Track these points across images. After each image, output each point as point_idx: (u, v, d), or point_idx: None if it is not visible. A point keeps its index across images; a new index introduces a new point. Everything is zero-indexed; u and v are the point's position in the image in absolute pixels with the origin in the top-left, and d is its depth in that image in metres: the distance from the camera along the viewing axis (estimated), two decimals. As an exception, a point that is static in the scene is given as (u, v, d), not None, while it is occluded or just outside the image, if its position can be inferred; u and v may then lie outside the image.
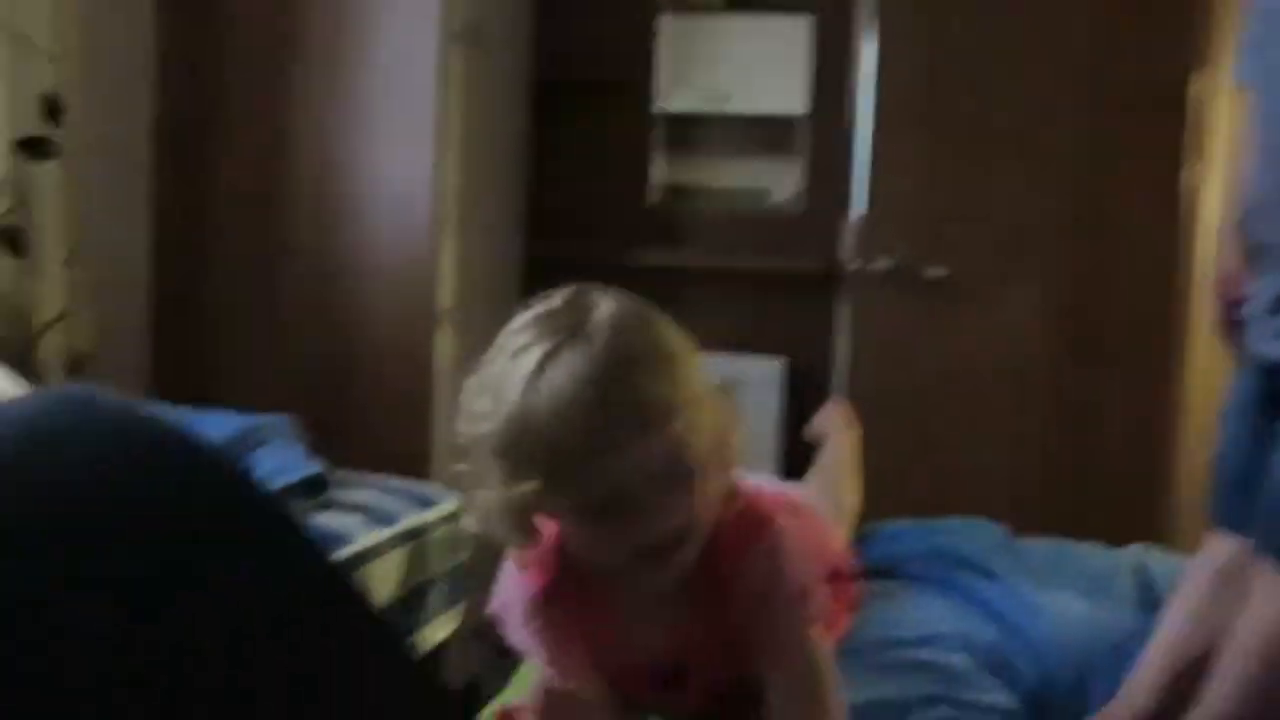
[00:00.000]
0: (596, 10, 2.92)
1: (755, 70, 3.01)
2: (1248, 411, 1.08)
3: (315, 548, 0.57)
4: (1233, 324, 1.11)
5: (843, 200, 2.62)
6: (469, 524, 0.84)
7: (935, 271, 2.44)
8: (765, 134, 3.05)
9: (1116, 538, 1.77)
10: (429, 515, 1.87)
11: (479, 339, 0.83)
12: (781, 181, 2.99)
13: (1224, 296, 1.13)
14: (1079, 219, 2.38)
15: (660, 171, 3.04)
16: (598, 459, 0.73)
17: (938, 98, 2.42)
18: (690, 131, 3.10)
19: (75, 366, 1.99)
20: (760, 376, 2.74)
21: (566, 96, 2.89)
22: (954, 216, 2.44)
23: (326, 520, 1.69)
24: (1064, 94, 2.36)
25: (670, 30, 2.99)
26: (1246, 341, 1.07)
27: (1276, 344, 1.00)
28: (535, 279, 2.47)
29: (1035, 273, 2.41)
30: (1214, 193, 2.23)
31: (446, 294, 2.35)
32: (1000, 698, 1.19)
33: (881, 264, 2.47)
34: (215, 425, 1.69)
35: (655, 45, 2.94)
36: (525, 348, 0.76)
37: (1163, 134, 2.29)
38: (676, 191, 3.07)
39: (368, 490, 1.89)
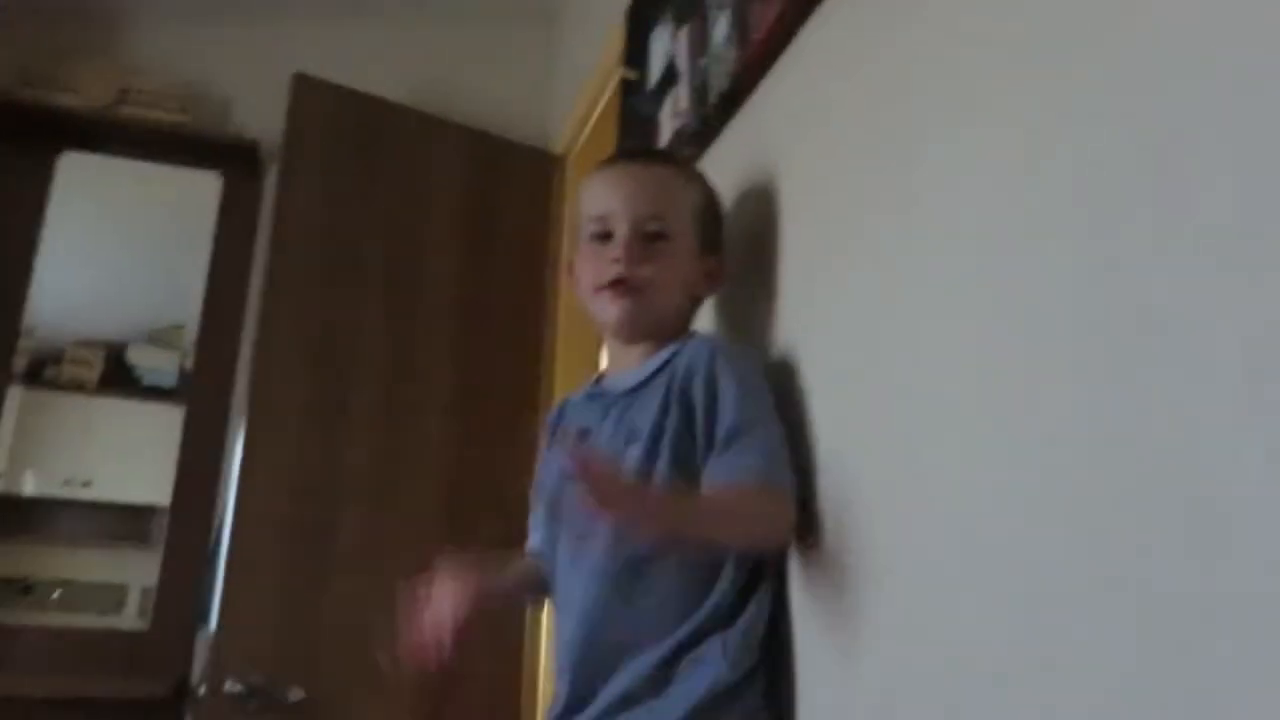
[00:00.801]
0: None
1: (122, 456, 2.90)
2: None
3: None
4: None
5: (197, 612, 2.40)
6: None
7: (293, 694, 2.26)
8: (125, 525, 2.83)
9: None
10: None
11: None
12: (140, 577, 2.74)
13: None
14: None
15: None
16: None
17: (297, 505, 2.36)
18: (35, 518, 2.78)
19: None
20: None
21: None
22: (311, 632, 2.32)
23: None
24: (425, 519, 2.41)
25: (23, 405, 2.74)
26: None
27: None
28: None
29: (393, 692, 2.34)
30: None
31: None
32: None
33: (235, 685, 2.25)
34: None
35: (-2, 420, 2.62)
36: None
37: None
38: (9, 585, 2.67)
39: None
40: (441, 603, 1.10)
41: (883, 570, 0.94)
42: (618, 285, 1.18)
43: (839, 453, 1.06)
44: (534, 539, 1.30)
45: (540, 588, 1.26)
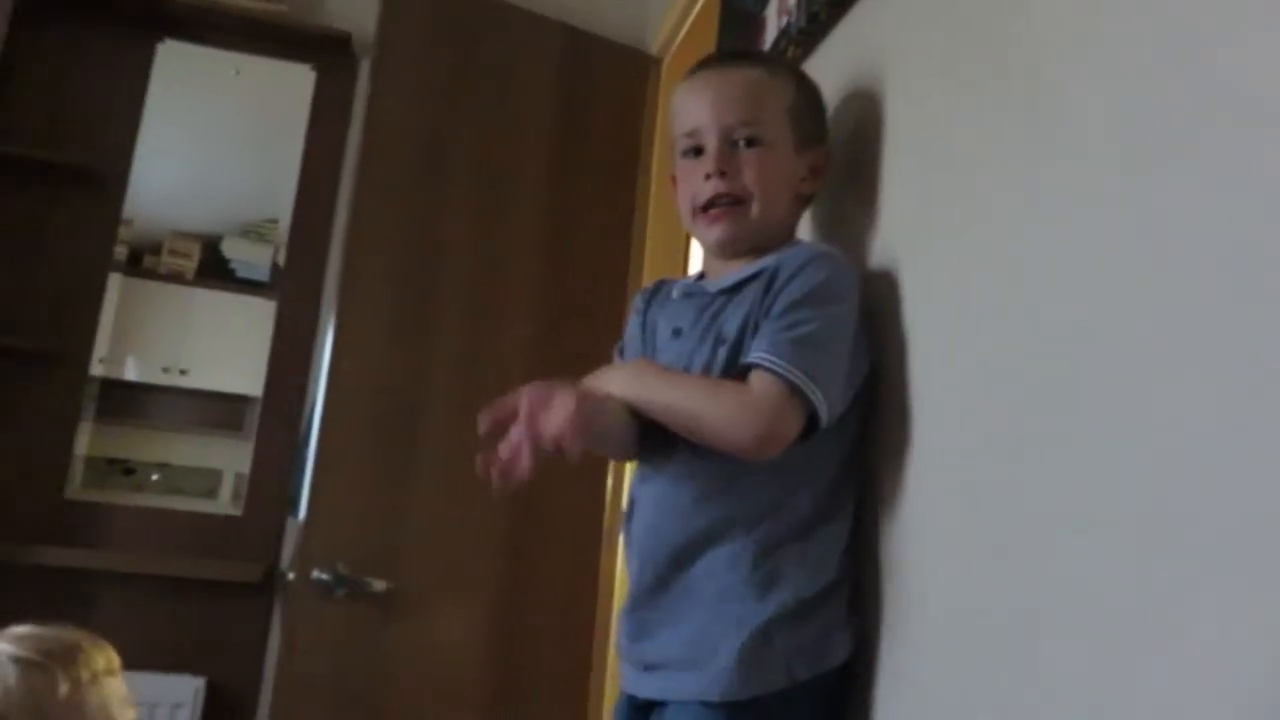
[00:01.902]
0: (26, 264, 2.60)
1: (217, 346, 2.99)
2: None
3: None
4: None
5: (288, 501, 2.48)
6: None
7: (378, 584, 2.33)
8: (220, 413, 2.92)
9: None
10: None
11: None
12: (234, 463, 2.83)
13: None
14: (512, 537, 2.43)
15: (94, 444, 2.73)
16: None
17: (384, 403, 2.40)
18: (136, 403, 2.89)
19: None
20: (176, 698, 2.42)
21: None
22: (395, 526, 2.38)
23: None
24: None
25: (123, 293, 2.83)
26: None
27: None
28: None
29: (473, 589, 2.40)
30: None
31: None
32: None
33: (322, 574, 2.32)
34: None
35: (99, 306, 2.70)
36: None
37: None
38: (112, 466, 2.79)
39: None
40: (536, 412, 1.01)
41: (982, 504, 0.90)
42: (716, 204, 1.15)
43: (938, 380, 1.01)
44: None
45: (632, 445, 1.20)
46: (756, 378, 1.01)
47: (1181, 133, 0.72)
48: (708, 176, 1.14)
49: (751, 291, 1.10)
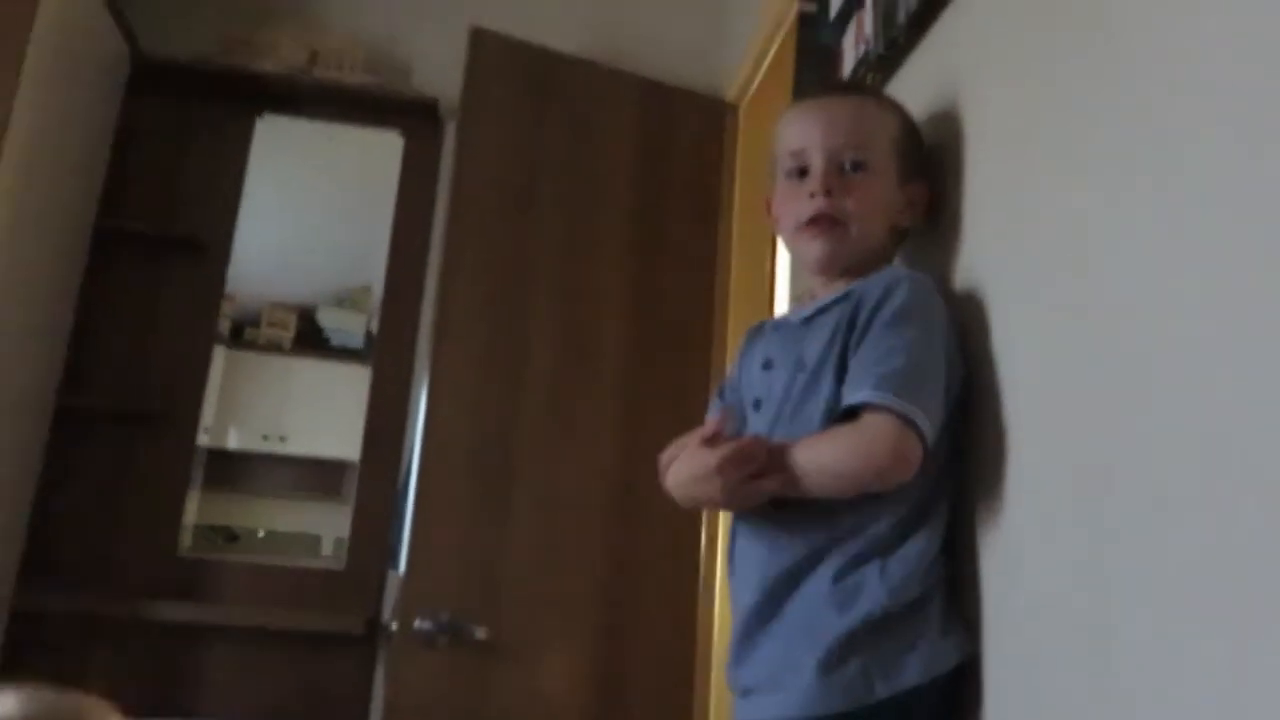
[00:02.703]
0: (138, 336, 2.72)
1: (314, 413, 3.07)
2: None
3: None
4: None
5: (388, 556, 2.52)
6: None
7: (479, 632, 2.34)
8: (318, 478, 2.99)
9: None
10: None
11: None
12: (332, 527, 2.89)
13: None
14: (611, 584, 2.42)
15: (200, 511, 2.82)
16: None
17: (479, 451, 2.44)
18: (238, 471, 2.98)
19: None
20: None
21: (86, 423, 2.61)
22: (494, 574, 2.40)
23: None
24: (602, 455, 2.46)
25: (226, 365, 2.94)
26: None
27: None
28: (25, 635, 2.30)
29: (572, 636, 2.40)
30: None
31: None
32: None
33: (424, 623, 2.35)
34: None
35: (204, 377, 2.81)
36: None
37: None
38: (215, 533, 2.87)
39: None
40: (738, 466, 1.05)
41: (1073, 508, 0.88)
42: (818, 221, 1.16)
43: (1033, 398, 1.00)
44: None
45: None
46: (871, 418, 1.01)
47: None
48: (812, 195, 1.16)
49: (833, 316, 1.11)
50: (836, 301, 1.13)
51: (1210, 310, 0.75)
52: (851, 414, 1.03)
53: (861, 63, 1.50)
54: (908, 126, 1.25)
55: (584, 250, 2.45)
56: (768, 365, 1.18)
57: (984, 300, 1.12)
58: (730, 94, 2.59)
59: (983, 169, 1.18)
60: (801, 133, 1.20)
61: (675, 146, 2.57)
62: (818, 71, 1.73)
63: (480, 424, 2.34)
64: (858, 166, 1.17)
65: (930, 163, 1.26)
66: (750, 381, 1.21)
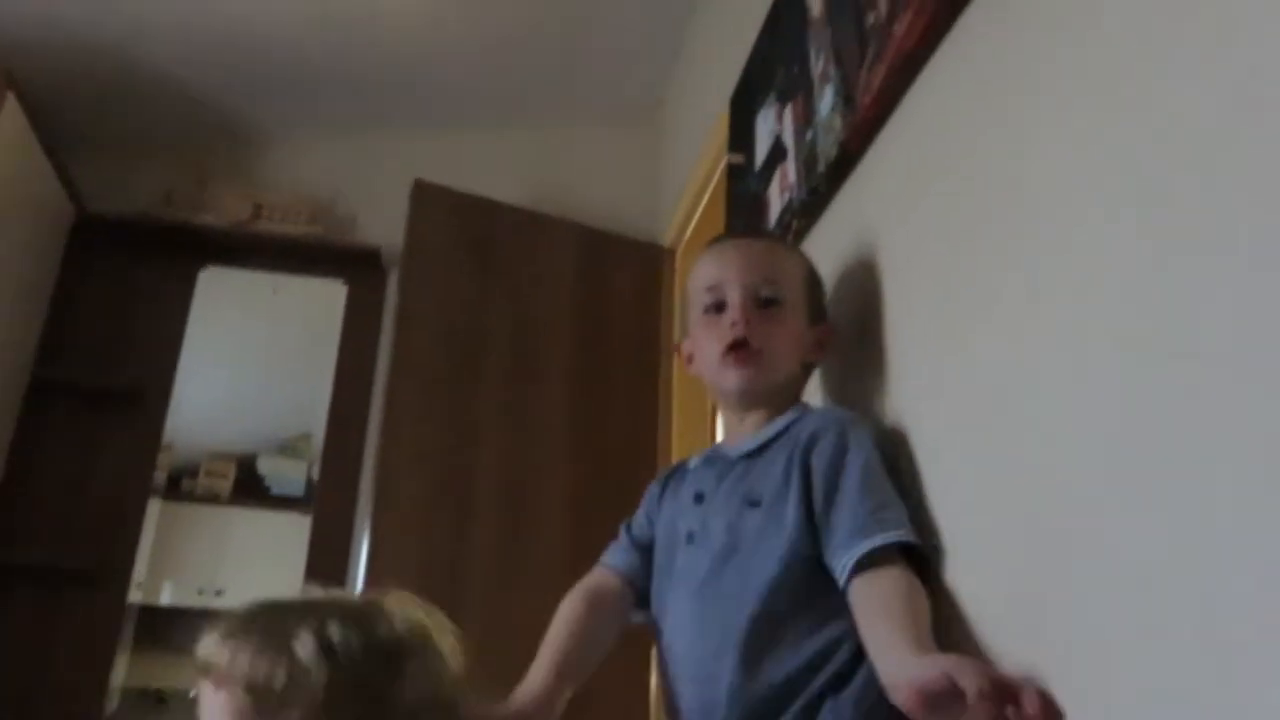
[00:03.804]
0: (72, 490, 2.66)
1: (252, 564, 3.00)
2: None
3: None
4: None
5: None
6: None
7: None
8: (256, 633, 2.90)
9: None
10: None
11: None
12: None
13: None
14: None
15: (129, 673, 2.70)
16: None
17: (427, 601, 2.38)
18: (170, 628, 2.87)
19: None
20: None
21: (12, 582, 2.52)
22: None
23: None
24: (552, 598, 2.41)
25: (162, 517, 2.87)
26: None
27: None
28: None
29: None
30: None
31: None
32: None
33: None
34: None
35: (139, 531, 2.73)
36: None
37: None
38: (144, 697, 2.74)
39: None
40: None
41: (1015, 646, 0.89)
42: (738, 350, 1.19)
43: (964, 526, 1.02)
44: (618, 559, 1.27)
45: (620, 617, 1.23)
46: (891, 567, 1.00)
47: (1168, 282, 0.76)
48: (732, 325, 1.19)
49: (780, 454, 1.13)
50: (775, 438, 1.15)
51: (1118, 445, 0.79)
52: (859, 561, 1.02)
53: (786, 209, 1.58)
54: (812, 270, 1.31)
55: (526, 393, 2.47)
56: (700, 499, 1.18)
57: (911, 436, 1.15)
58: (666, 240, 2.68)
59: (897, 313, 1.23)
60: (718, 269, 1.24)
61: (614, 291, 2.63)
62: (747, 216, 1.80)
63: (424, 571, 2.30)
64: (772, 301, 1.21)
65: (840, 306, 1.31)
66: (676, 516, 1.21)
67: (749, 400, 1.21)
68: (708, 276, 1.24)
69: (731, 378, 1.20)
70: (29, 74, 2.44)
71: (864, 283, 1.32)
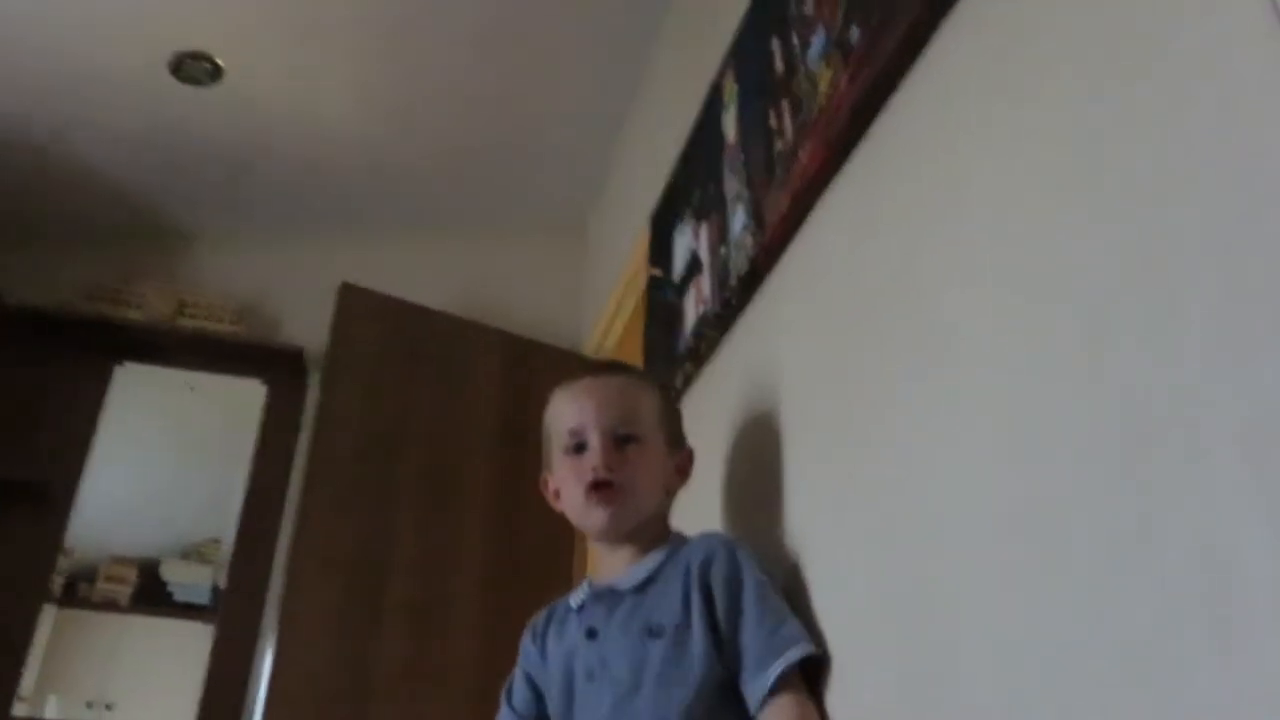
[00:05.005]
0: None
1: (148, 676, 2.89)
2: None
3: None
4: None
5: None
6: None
7: None
8: (148, 747, 2.77)
9: None
10: None
11: None
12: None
13: None
14: None
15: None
16: None
17: (325, 715, 2.31)
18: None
19: None
20: None
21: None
22: None
23: None
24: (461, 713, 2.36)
25: (55, 626, 2.76)
26: None
27: None
28: None
29: None
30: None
31: None
32: None
33: None
34: None
35: (28, 640, 2.61)
36: None
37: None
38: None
39: None
40: None
41: None
42: (601, 489, 1.24)
43: (853, 647, 1.07)
44: None
45: None
46: (794, 693, 1.05)
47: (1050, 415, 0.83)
48: (594, 467, 1.24)
49: (674, 584, 1.17)
50: (660, 570, 1.20)
51: (999, 553, 0.84)
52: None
53: (701, 320, 1.65)
54: (666, 398, 1.39)
55: (444, 500, 2.46)
56: (592, 634, 1.20)
57: (805, 549, 1.19)
58: (589, 348, 2.74)
59: (797, 422, 1.29)
60: (577, 412, 1.28)
61: (537, 398, 2.62)
62: (665, 326, 1.87)
63: (330, 681, 2.24)
64: (630, 439, 1.26)
65: (749, 424, 1.37)
66: (569, 655, 1.22)
67: (616, 534, 1.26)
68: (569, 418, 1.29)
69: (598, 516, 1.24)
70: (-44, 165, 2.45)
71: (768, 395, 1.38)
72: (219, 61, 2.47)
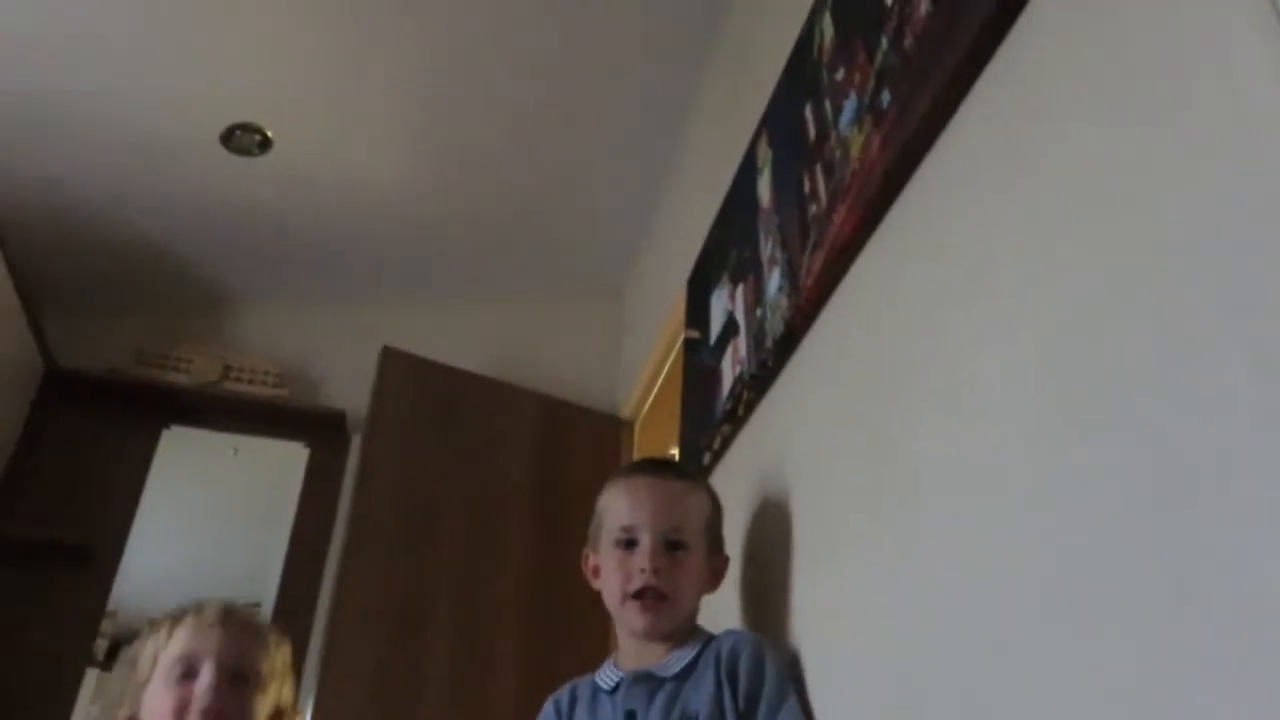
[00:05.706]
0: (5, 655, 2.56)
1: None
2: None
3: None
4: None
5: None
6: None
7: None
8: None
9: None
10: None
11: None
12: None
13: None
14: None
15: None
16: None
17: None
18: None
19: None
20: None
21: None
22: None
23: None
24: None
25: (98, 690, 2.74)
26: None
27: None
28: None
29: None
30: None
31: None
32: None
33: None
34: None
35: (70, 705, 2.62)
36: None
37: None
38: None
39: None
40: None
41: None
42: (645, 596, 1.28)
43: None
44: None
45: None
46: None
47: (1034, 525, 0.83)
48: (642, 570, 1.29)
49: (707, 674, 1.21)
50: (695, 661, 1.24)
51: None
52: None
53: (738, 381, 1.65)
54: (715, 504, 1.42)
55: (482, 560, 2.47)
56: (631, 716, 1.24)
57: (800, 665, 1.23)
58: (625, 411, 2.75)
59: (800, 543, 1.32)
60: (632, 509, 1.33)
61: (573, 460, 2.67)
62: (702, 388, 1.88)
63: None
64: (678, 546, 1.31)
65: (773, 504, 1.40)
66: None
67: (654, 637, 1.30)
68: (623, 515, 1.34)
69: (640, 620, 1.29)
70: (16, 231, 2.53)
71: (799, 460, 1.39)
72: (268, 133, 2.55)
